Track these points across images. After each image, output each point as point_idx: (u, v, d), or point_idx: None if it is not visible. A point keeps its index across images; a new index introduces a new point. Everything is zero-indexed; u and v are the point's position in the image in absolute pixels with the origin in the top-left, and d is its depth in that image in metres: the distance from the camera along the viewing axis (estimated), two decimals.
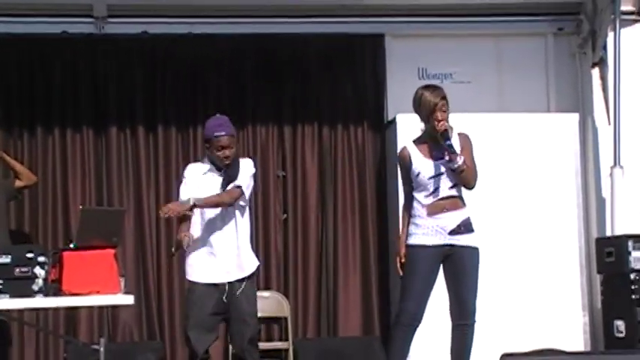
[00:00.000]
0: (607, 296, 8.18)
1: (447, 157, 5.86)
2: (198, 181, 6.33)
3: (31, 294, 5.88)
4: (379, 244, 8.58)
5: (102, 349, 6.24)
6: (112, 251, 6.13)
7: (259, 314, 6.54)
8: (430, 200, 5.92)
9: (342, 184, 8.66)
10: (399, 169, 6.15)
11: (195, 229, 6.27)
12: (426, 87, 6.04)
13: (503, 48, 8.93)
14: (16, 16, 8.36)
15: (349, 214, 8.64)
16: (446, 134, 5.84)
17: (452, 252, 5.92)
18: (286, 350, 8.29)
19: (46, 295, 5.91)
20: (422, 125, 6.01)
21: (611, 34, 8.61)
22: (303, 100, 8.72)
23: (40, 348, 8.19)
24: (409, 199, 6.03)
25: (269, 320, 8.29)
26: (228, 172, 6.28)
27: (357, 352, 8.16)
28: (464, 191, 6.01)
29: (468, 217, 5.97)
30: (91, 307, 7.60)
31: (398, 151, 6.23)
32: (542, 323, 8.10)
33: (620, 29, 8.52)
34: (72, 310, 7.94)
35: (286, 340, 8.33)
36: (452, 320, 5.94)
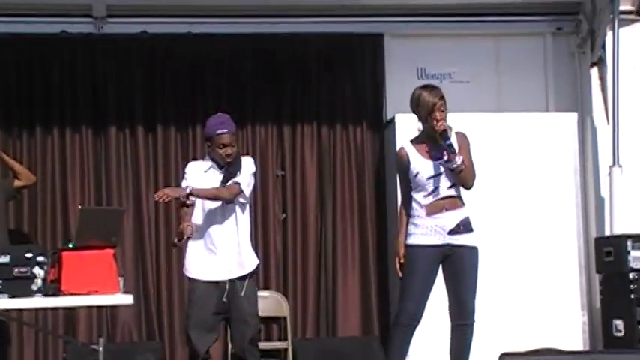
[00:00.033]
0: (606, 295, 8.18)
1: (445, 157, 5.86)
2: (200, 178, 6.33)
3: (30, 294, 5.88)
4: (378, 244, 8.59)
5: (101, 348, 6.23)
6: (111, 251, 6.13)
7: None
8: (429, 200, 5.92)
9: (341, 183, 8.67)
10: (397, 169, 6.15)
11: (198, 226, 6.25)
12: (424, 87, 6.03)
13: (502, 48, 8.94)
14: (15, 16, 8.36)
15: (348, 214, 8.64)
16: (445, 134, 5.84)
17: (451, 252, 5.91)
18: (285, 350, 8.29)
19: (45, 294, 5.92)
20: (419, 125, 6.00)
21: (609, 34, 8.61)
22: (302, 99, 8.72)
23: (40, 348, 8.20)
24: (407, 200, 6.02)
25: (268, 320, 8.29)
26: (229, 169, 6.29)
27: (356, 352, 8.16)
28: (463, 191, 6.01)
29: (468, 217, 5.97)
30: (90, 307, 7.60)
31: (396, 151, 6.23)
32: (541, 322, 8.10)
33: (618, 29, 8.51)
34: (71, 310, 7.94)
35: (285, 339, 8.33)
36: (451, 320, 5.94)
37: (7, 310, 6.46)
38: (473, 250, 5.95)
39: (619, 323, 7.96)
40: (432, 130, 5.88)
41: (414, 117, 6.02)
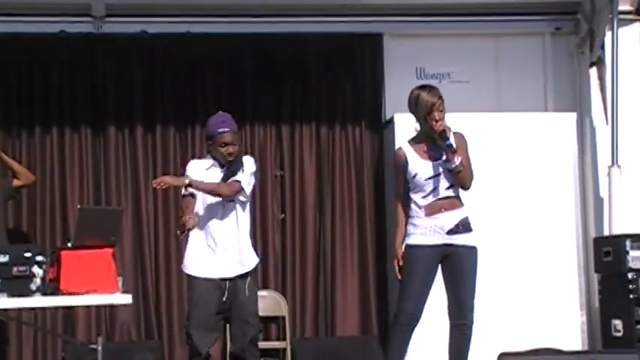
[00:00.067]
0: (605, 295, 8.19)
1: (444, 157, 5.86)
2: (201, 176, 6.32)
3: (29, 293, 5.88)
4: (377, 244, 8.59)
5: (100, 348, 6.22)
6: (109, 250, 6.13)
7: None
8: (427, 201, 5.90)
9: (339, 183, 8.67)
10: (395, 169, 6.13)
11: (197, 223, 6.25)
12: (422, 87, 6.01)
13: (501, 47, 8.94)
14: (15, 16, 8.36)
15: (347, 214, 8.64)
16: (445, 134, 5.83)
17: (450, 252, 5.90)
18: (284, 350, 8.29)
19: (44, 294, 5.91)
20: (416, 125, 5.99)
21: (608, 34, 8.61)
22: (301, 99, 8.72)
23: (38, 347, 8.20)
24: (404, 200, 6.01)
25: (267, 320, 8.28)
26: (230, 168, 6.29)
27: (355, 351, 8.16)
28: (462, 191, 6.01)
29: (467, 217, 5.96)
30: (88, 307, 7.59)
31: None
32: (540, 322, 8.10)
33: (617, 29, 8.52)
34: (70, 310, 7.94)
35: (284, 339, 8.33)
36: (450, 320, 5.93)
37: (6, 310, 6.46)
38: (472, 250, 5.95)
39: (618, 323, 7.96)
40: (430, 131, 5.87)
41: (413, 117, 6.01)
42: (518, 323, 8.04)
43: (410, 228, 5.95)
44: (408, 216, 5.97)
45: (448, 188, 5.92)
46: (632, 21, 8.88)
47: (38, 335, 8.17)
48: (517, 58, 8.90)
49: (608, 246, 8.10)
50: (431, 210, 5.90)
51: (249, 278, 6.31)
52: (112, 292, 6.04)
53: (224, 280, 6.24)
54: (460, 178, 5.89)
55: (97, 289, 5.99)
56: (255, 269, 6.41)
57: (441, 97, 5.88)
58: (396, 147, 6.25)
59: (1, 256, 5.89)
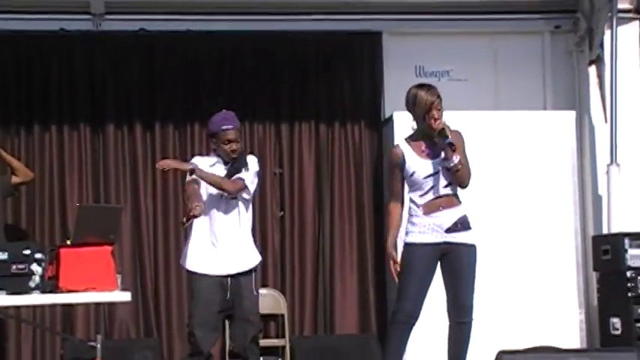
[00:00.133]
0: (603, 294, 8.19)
1: (442, 155, 5.85)
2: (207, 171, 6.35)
3: (27, 291, 5.88)
4: (376, 242, 8.58)
5: (98, 345, 6.23)
6: (109, 248, 6.13)
7: None
8: (425, 199, 5.89)
9: (339, 181, 8.67)
10: (391, 168, 6.09)
11: (199, 219, 6.25)
12: (420, 86, 5.99)
13: (500, 46, 8.94)
14: (13, 13, 8.36)
15: (346, 212, 8.64)
16: (444, 132, 5.82)
17: (449, 250, 5.90)
18: (283, 347, 8.30)
19: (43, 291, 5.91)
20: (413, 124, 5.99)
21: (608, 32, 8.61)
22: (301, 97, 8.72)
23: (37, 345, 8.20)
24: (398, 199, 5.99)
25: (266, 317, 8.27)
26: (234, 165, 6.31)
27: (354, 349, 8.16)
28: (460, 189, 6.00)
29: (465, 215, 5.96)
30: (87, 304, 7.60)
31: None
32: (539, 320, 8.11)
33: (616, 27, 8.53)
34: (69, 307, 7.94)
35: (283, 337, 8.34)
36: (449, 318, 5.93)
37: (5, 307, 6.46)
38: (471, 248, 5.94)
39: (616, 321, 7.97)
40: (428, 129, 5.86)
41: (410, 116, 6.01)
42: (516, 321, 8.04)
43: (409, 226, 5.95)
44: (406, 215, 5.96)
45: (446, 186, 5.91)
46: (631, 19, 8.87)
47: (37, 333, 8.17)
48: (516, 57, 8.90)
49: (607, 244, 8.10)
50: (429, 208, 5.90)
51: (253, 277, 6.31)
52: (110, 289, 6.04)
53: (226, 277, 6.25)
54: (458, 177, 5.88)
55: (96, 287, 5.99)
56: (257, 268, 6.42)
57: (439, 96, 5.88)
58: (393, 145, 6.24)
59: (0, 253, 5.89)
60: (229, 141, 6.29)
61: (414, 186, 5.92)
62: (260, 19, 8.63)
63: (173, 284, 8.32)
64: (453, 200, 5.94)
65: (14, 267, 5.88)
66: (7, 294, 5.87)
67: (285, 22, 8.62)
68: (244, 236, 6.34)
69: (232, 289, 6.24)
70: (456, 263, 5.90)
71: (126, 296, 6.08)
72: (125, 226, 8.27)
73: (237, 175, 6.28)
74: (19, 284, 5.87)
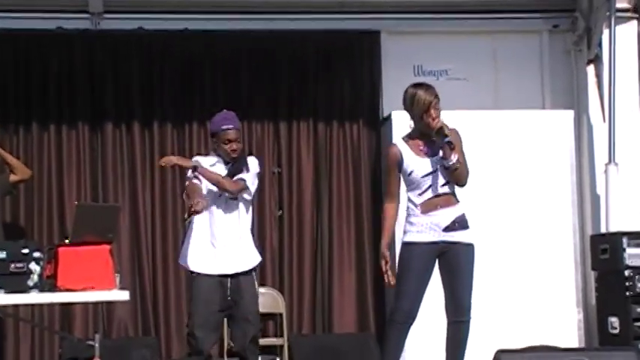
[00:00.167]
0: (601, 293, 8.20)
1: (441, 154, 5.85)
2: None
3: (26, 289, 5.89)
4: (374, 241, 8.55)
5: (97, 344, 6.23)
6: (107, 247, 6.13)
7: None
8: (423, 198, 5.88)
9: (337, 180, 8.67)
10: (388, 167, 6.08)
11: (199, 218, 6.25)
12: (418, 85, 5.98)
13: (498, 45, 8.94)
14: (12, 12, 8.36)
15: (344, 211, 8.65)
16: (442, 131, 5.82)
17: (447, 249, 5.89)
18: (281, 346, 8.30)
19: (42, 290, 5.92)
20: (410, 123, 5.98)
21: (606, 32, 8.62)
22: (299, 96, 8.72)
23: (36, 344, 8.20)
24: (394, 199, 5.97)
25: (264, 316, 8.25)
26: (234, 165, 6.32)
27: (352, 348, 8.16)
28: (459, 188, 6.00)
29: (463, 214, 5.95)
30: (86, 303, 7.59)
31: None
32: (537, 320, 8.11)
33: (615, 26, 8.53)
34: (67, 306, 7.94)
35: (281, 336, 8.34)
36: (447, 317, 5.93)
37: (4, 306, 6.46)
38: (469, 247, 5.94)
39: (614, 320, 7.97)
40: (427, 128, 5.86)
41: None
42: (515, 320, 8.05)
43: (406, 226, 5.94)
44: (403, 214, 5.96)
45: (444, 185, 5.91)
46: (629, 19, 8.87)
47: (35, 332, 8.17)
48: (514, 56, 8.90)
49: (605, 243, 8.11)
50: (427, 207, 5.89)
51: (253, 276, 6.31)
52: (109, 288, 6.05)
53: (226, 276, 6.25)
54: (457, 175, 5.88)
55: (95, 286, 6.00)
56: (256, 268, 6.42)
57: (437, 96, 5.88)
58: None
59: None
60: (229, 141, 6.30)
61: (412, 185, 5.92)
62: (258, 18, 8.62)
63: (171, 283, 8.32)
64: (451, 199, 5.93)
65: (12, 266, 5.89)
66: (6, 293, 5.88)
67: (283, 21, 8.62)
68: (244, 236, 6.34)
69: (232, 288, 6.24)
70: (454, 262, 5.90)
71: (124, 295, 6.09)
72: (123, 224, 8.27)
73: (238, 176, 6.29)
74: (17, 283, 5.88)
